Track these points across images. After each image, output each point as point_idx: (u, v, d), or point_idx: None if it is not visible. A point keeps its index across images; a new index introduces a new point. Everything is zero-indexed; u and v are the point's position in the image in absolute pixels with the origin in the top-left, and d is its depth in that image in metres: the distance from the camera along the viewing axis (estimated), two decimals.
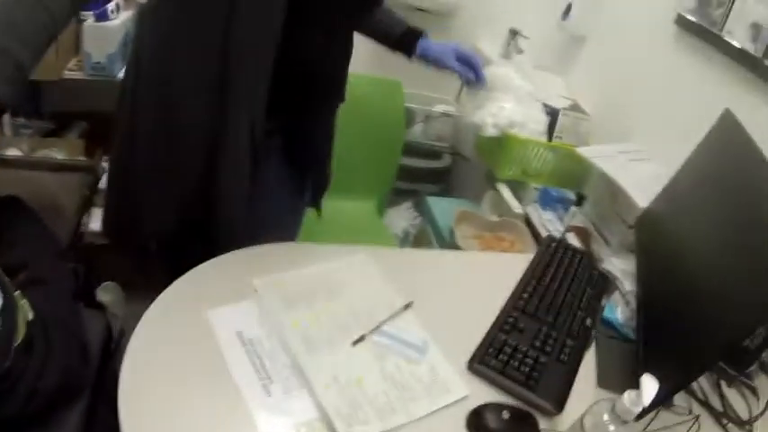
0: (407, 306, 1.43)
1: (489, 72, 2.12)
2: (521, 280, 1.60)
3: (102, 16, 2.28)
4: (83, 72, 2.39)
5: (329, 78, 1.56)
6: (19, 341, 1.02)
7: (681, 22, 2.03)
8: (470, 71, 1.98)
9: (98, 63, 2.33)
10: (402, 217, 2.73)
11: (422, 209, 2.65)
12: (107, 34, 2.30)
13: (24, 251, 1.31)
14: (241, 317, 1.34)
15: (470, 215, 2.28)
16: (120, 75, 2.36)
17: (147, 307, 1.33)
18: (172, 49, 1.34)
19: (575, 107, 2.43)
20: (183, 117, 1.38)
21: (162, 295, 1.36)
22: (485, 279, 1.52)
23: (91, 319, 1.40)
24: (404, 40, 1.84)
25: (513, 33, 2.84)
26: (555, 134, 2.37)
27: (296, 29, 1.30)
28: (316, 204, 1.82)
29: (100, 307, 1.84)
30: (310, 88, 1.51)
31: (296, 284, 1.43)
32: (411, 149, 2.69)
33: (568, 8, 2.52)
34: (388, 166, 2.44)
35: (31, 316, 1.08)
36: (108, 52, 2.31)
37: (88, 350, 1.24)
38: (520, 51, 2.82)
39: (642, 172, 1.93)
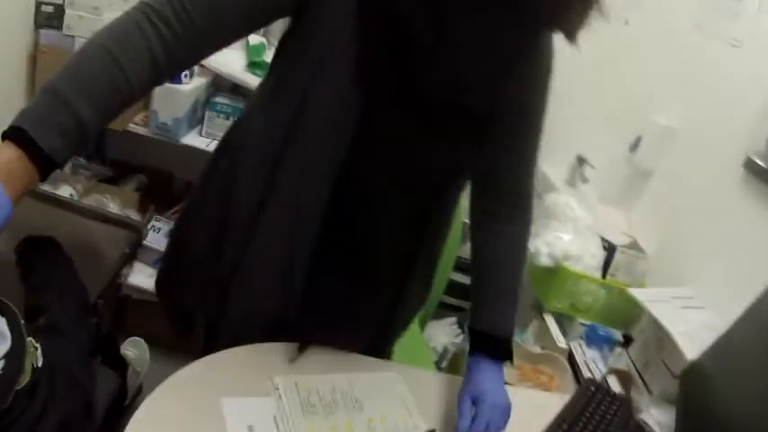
0: None
1: (550, 199, 2.09)
2: (553, 421, 1.52)
3: (175, 79, 2.31)
4: (148, 128, 2.41)
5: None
6: (23, 384, 1.00)
7: (750, 166, 1.96)
8: (467, 421, 1.36)
9: (164, 124, 2.35)
10: (444, 332, 2.68)
11: (464, 327, 2.57)
12: (177, 97, 2.32)
13: (50, 296, 1.30)
14: (255, 411, 1.29)
15: (513, 345, 2.21)
16: (184, 139, 2.42)
17: (171, 369, 1.31)
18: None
19: (633, 245, 2.36)
20: (236, 203, 1.36)
21: (180, 372, 1.33)
22: (516, 415, 1.45)
23: (104, 376, 1.37)
24: (476, 335, 1.46)
25: (581, 161, 2.81)
26: (610, 271, 2.30)
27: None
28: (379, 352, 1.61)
29: (121, 361, 1.81)
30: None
31: (318, 390, 1.38)
32: (462, 265, 2.64)
33: (637, 141, 2.48)
34: (439, 280, 2.40)
35: (40, 362, 1.07)
36: (175, 115, 2.33)
37: (93, 406, 1.21)
38: (585, 180, 2.77)
39: (695, 321, 1.84)
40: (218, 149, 1.46)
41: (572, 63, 1.35)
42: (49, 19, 2.34)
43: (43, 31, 2.36)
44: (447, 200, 1.40)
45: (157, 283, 1.64)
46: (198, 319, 1.67)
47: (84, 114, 0.98)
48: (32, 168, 0.94)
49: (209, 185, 1.44)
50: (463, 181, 1.40)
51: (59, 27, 2.34)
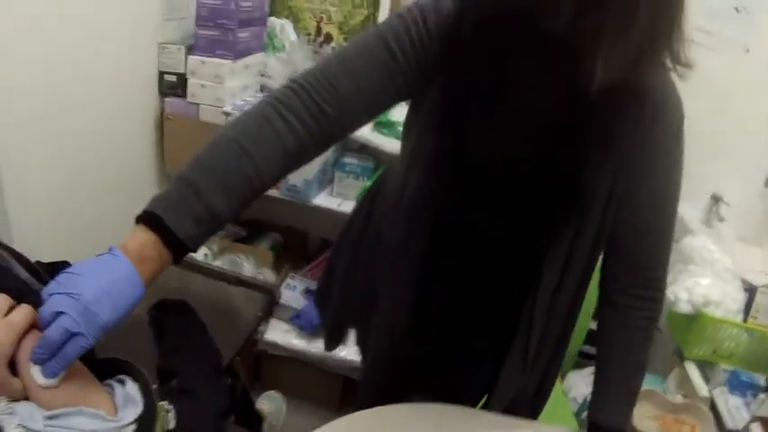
0: None
1: (687, 242, 2.00)
2: None
3: None
4: (278, 191, 2.46)
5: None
6: None
7: None
8: None
9: (294, 186, 2.40)
10: (584, 382, 2.58)
11: None
12: None
13: (183, 359, 1.32)
14: None
15: (653, 394, 2.13)
16: (315, 200, 2.48)
17: (307, 422, 1.33)
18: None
19: None
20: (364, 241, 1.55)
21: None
22: None
23: None
24: (595, 428, 1.39)
25: (715, 200, 2.69)
26: (751, 313, 2.20)
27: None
28: None
29: (256, 418, 1.84)
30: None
31: None
32: None
33: None
34: (578, 329, 2.33)
35: (172, 425, 1.08)
36: (305, 178, 2.38)
37: None
38: (721, 219, 2.65)
39: None
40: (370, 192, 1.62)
41: (696, 98, 1.28)
42: (173, 87, 2.46)
43: (168, 100, 2.49)
44: (558, 261, 1.31)
45: (315, 294, 1.88)
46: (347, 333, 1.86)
47: (216, 205, 1.02)
48: (166, 253, 0.99)
49: (353, 222, 1.63)
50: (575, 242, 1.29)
51: (183, 95, 2.45)
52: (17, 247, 1.20)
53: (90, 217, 2.20)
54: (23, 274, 1.11)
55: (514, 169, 1.21)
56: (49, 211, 2.04)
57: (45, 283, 0.94)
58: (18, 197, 1.86)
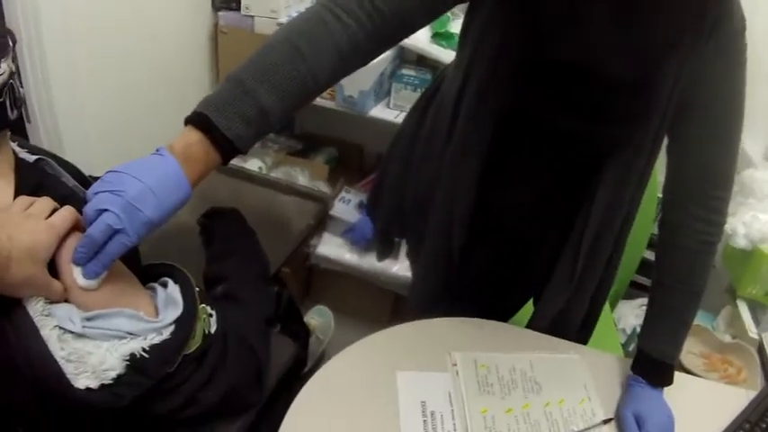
0: (607, 421, 1.29)
1: (747, 175, 1.91)
2: (735, 419, 1.37)
3: None
4: (334, 102, 2.43)
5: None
6: (192, 350, 1.02)
7: None
8: None
9: (350, 97, 2.36)
10: (633, 313, 2.54)
11: None
12: (362, 70, 2.33)
13: (230, 265, 1.33)
14: (430, 387, 1.29)
15: (702, 331, 2.07)
16: (372, 112, 2.43)
17: (355, 337, 1.35)
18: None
19: None
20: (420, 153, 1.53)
21: (357, 344, 1.37)
22: (695, 410, 1.34)
23: (282, 345, 1.40)
24: (643, 355, 1.36)
25: None
26: None
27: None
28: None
29: (303, 330, 1.85)
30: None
31: (496, 369, 1.35)
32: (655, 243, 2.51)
33: None
34: (631, 259, 2.28)
35: (213, 329, 1.09)
36: (361, 88, 2.33)
37: (265, 374, 1.23)
38: None
39: None
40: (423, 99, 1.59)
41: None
42: (226, 1, 2.43)
43: (222, 13, 2.46)
44: (616, 177, 1.29)
45: (367, 203, 1.93)
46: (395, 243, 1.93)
47: (267, 104, 0.99)
48: (214, 153, 0.97)
49: (404, 130, 1.62)
50: (632, 159, 1.27)
51: (237, 8, 2.42)
52: None
53: (144, 134, 2.21)
54: (71, 181, 1.11)
55: (586, 63, 1.16)
56: (102, 128, 2.06)
57: None
58: (69, 112, 1.87)
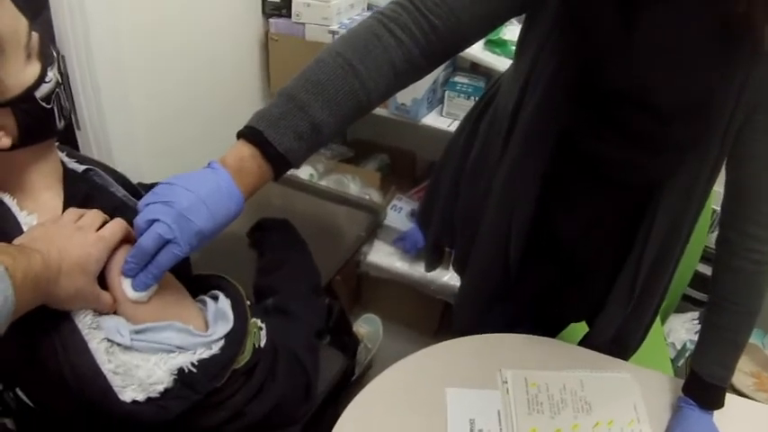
0: None
1: None
2: None
3: None
4: (387, 110, 2.41)
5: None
6: (242, 364, 1.03)
7: None
8: None
9: (403, 104, 2.34)
10: (684, 327, 2.48)
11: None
12: None
13: (281, 278, 1.33)
14: (479, 404, 1.27)
15: (754, 348, 2.01)
16: (425, 120, 2.41)
17: (404, 347, 1.35)
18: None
19: None
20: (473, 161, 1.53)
21: (407, 358, 1.36)
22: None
23: (331, 357, 1.40)
24: (695, 377, 1.32)
25: None
26: None
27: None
28: None
29: (352, 340, 1.85)
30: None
31: (547, 388, 1.32)
32: (710, 256, 2.44)
33: None
34: (683, 272, 2.22)
35: (263, 342, 1.09)
36: (414, 96, 2.31)
37: (313, 389, 1.23)
38: None
39: None
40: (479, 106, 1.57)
41: None
42: (277, 8, 2.43)
43: (272, 20, 2.46)
44: (676, 203, 1.28)
45: (418, 212, 1.95)
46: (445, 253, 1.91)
47: (320, 119, 0.99)
48: (266, 167, 0.97)
49: (457, 140, 1.61)
50: (691, 184, 1.25)
51: (288, 15, 2.42)
52: None
53: (194, 144, 2.22)
54: (120, 191, 1.12)
55: (639, 92, 1.14)
56: (151, 134, 2.07)
57: None
58: (118, 118, 1.89)
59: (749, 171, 1.17)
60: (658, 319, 2.19)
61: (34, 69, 0.90)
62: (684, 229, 1.32)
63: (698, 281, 2.29)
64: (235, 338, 1.00)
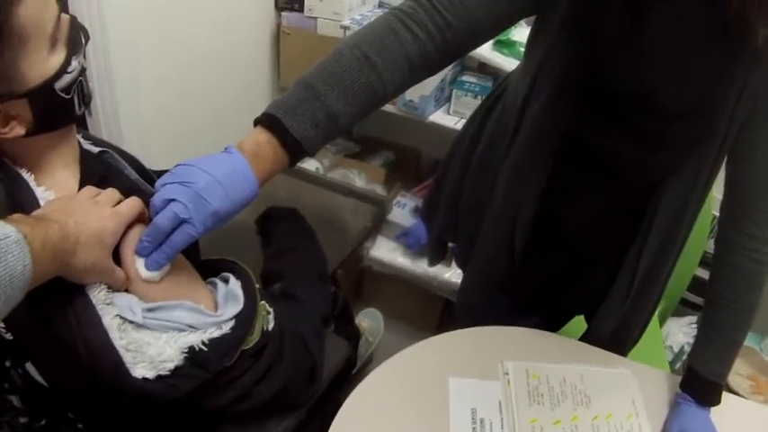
0: None
1: None
2: None
3: None
4: (394, 106, 2.43)
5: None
6: (250, 346, 1.04)
7: None
8: None
9: (411, 101, 2.36)
10: (682, 331, 2.50)
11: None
12: None
13: (289, 264, 1.34)
14: (481, 394, 1.28)
15: (750, 352, 2.02)
16: (432, 117, 2.43)
17: (404, 342, 1.35)
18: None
19: None
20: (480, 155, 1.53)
21: (411, 348, 1.37)
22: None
23: (335, 344, 1.41)
24: (692, 373, 1.33)
25: None
26: None
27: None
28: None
29: (354, 331, 1.86)
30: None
31: (547, 380, 1.34)
32: (708, 261, 2.45)
33: None
34: (681, 275, 2.24)
35: (271, 326, 1.11)
36: (422, 93, 2.33)
37: (318, 373, 1.24)
38: None
39: None
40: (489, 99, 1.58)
41: None
42: (290, 2, 2.46)
43: (285, 14, 2.49)
44: (676, 200, 1.29)
45: (422, 206, 1.94)
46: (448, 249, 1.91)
47: (336, 108, 1.00)
48: (282, 153, 0.99)
49: (464, 137, 1.62)
50: (692, 182, 1.27)
51: (300, 9, 2.44)
52: None
53: (203, 133, 2.23)
54: (133, 174, 1.14)
55: (643, 92, 1.16)
56: (162, 125, 2.09)
57: (154, 184, 0.95)
58: (130, 107, 1.90)
59: (749, 170, 1.19)
60: (657, 322, 2.20)
61: (58, 58, 0.90)
62: (684, 224, 1.33)
63: (696, 285, 2.31)
64: (245, 319, 1.01)
